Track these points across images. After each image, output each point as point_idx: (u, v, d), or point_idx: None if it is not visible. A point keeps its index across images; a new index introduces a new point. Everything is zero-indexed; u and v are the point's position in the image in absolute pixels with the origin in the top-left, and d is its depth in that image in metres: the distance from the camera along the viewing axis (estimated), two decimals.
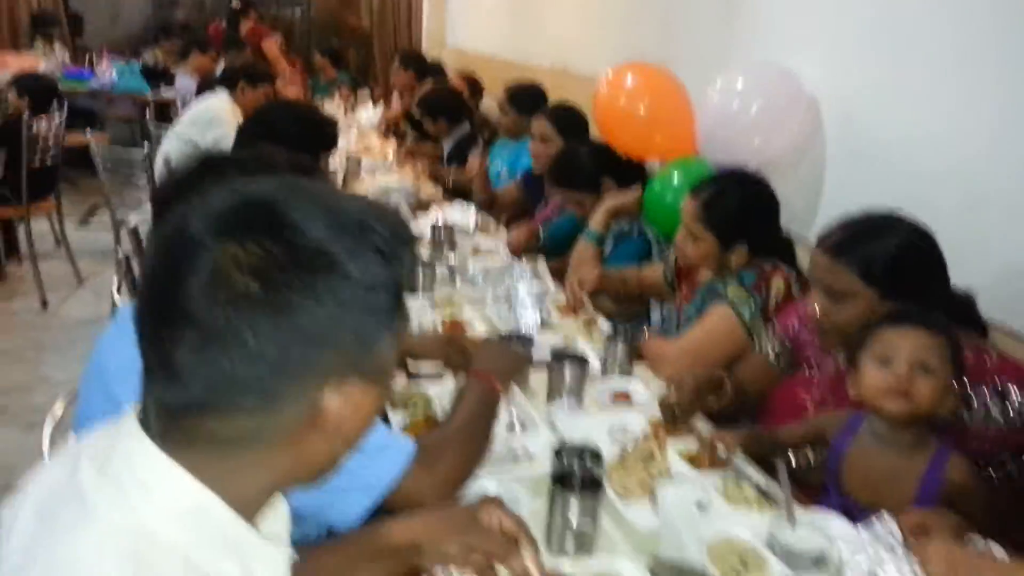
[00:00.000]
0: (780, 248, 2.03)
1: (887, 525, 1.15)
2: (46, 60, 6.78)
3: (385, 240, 0.69)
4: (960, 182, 1.90)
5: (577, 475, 1.30)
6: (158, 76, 6.66)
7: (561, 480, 1.29)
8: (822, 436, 1.52)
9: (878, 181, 2.07)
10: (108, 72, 6.77)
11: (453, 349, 1.71)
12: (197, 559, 0.67)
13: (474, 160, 3.89)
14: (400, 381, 1.79)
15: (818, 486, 1.53)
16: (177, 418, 0.68)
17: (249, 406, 0.67)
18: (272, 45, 7.14)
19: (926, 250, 1.54)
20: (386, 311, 0.70)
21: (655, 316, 2.54)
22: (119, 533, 0.65)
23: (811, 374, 1.73)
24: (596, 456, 1.39)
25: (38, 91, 4.58)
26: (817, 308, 1.57)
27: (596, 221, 2.51)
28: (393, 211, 0.77)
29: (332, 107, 6.18)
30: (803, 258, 2.09)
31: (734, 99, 2.27)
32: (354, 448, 0.76)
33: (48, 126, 4.45)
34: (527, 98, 3.61)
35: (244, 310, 0.64)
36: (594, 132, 2.94)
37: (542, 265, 2.62)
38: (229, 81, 4.22)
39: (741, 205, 1.98)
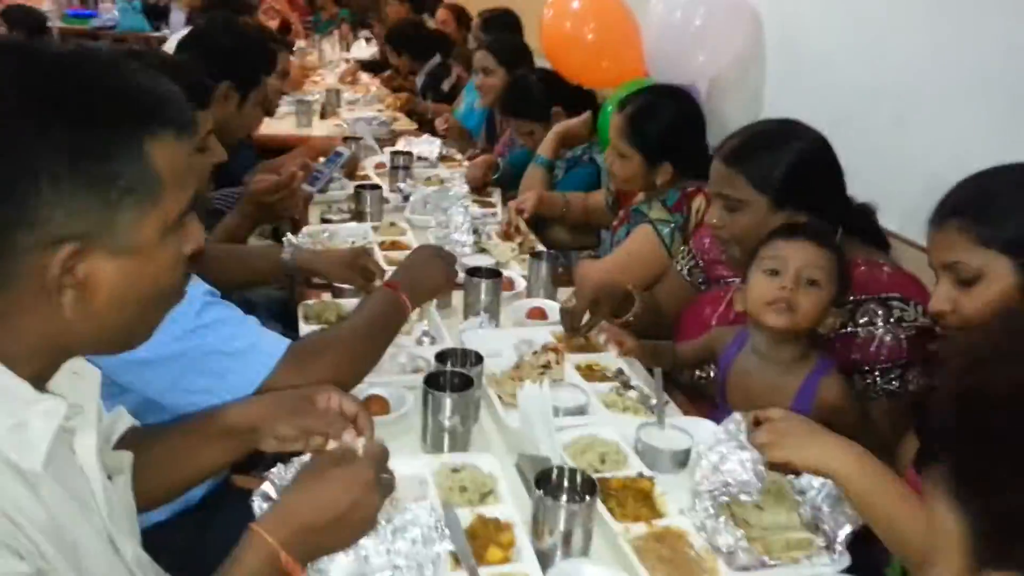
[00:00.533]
0: (706, 167, 2.03)
1: (739, 423, 1.19)
2: (48, 1, 6.82)
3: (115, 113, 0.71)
4: (890, 98, 1.87)
5: (448, 375, 1.35)
6: (159, 13, 6.68)
7: (435, 380, 1.34)
8: (714, 351, 1.55)
9: (814, 96, 2.04)
10: (110, 10, 6.81)
11: (358, 270, 1.73)
12: None
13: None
14: (320, 296, 1.85)
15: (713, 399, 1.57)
16: None
17: None
18: None
19: (821, 160, 1.53)
20: (135, 187, 0.72)
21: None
22: None
23: (719, 290, 1.75)
24: (478, 358, 1.45)
25: (27, 25, 4.60)
26: (715, 219, 1.57)
27: (545, 147, 2.52)
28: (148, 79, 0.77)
29: (329, 43, 6.18)
30: None
31: (676, 11, 2.23)
32: (136, 320, 0.79)
33: None
34: (501, 25, 3.59)
35: None
36: (543, 60, 2.92)
37: (497, 195, 2.65)
38: (209, 13, 4.22)
39: (668, 121, 1.98)
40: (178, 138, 0.76)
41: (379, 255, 2.07)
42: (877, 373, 1.45)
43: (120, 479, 0.90)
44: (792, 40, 2.13)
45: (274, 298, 2.33)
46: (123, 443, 0.98)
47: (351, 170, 2.71)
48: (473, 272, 1.80)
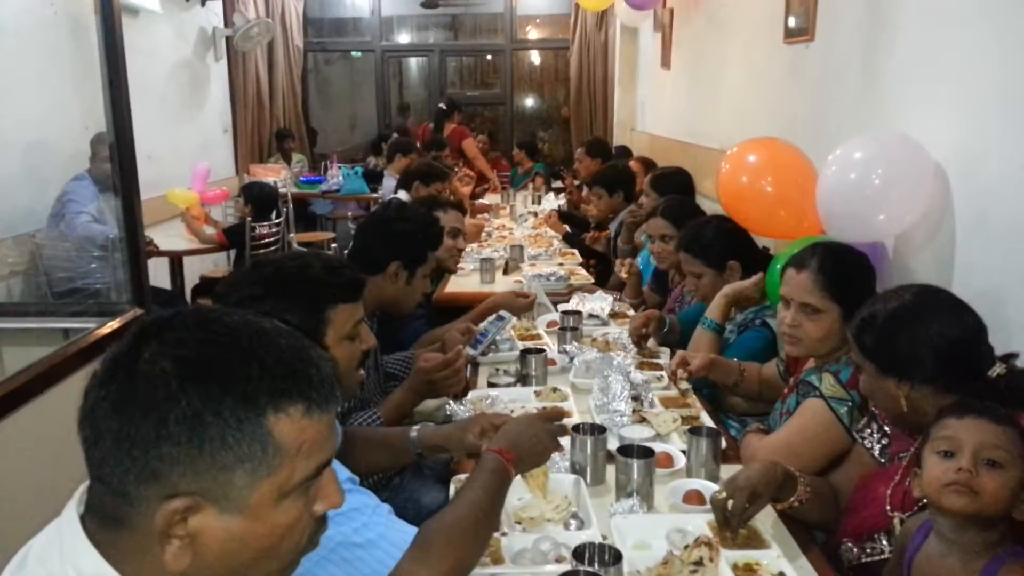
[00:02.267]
0: None
1: None
2: (287, 170, 7.82)
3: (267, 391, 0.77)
4: None
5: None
6: (376, 178, 7.41)
7: None
8: (902, 547, 1.37)
9: (1006, 248, 1.83)
10: (336, 177, 7.66)
11: (472, 432, 1.69)
12: None
13: None
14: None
15: None
16: (96, 499, 0.80)
17: (113, 487, 0.76)
18: (471, 144, 7.68)
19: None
20: (250, 457, 0.76)
21: None
22: None
23: (892, 467, 1.55)
24: (616, 556, 1.36)
25: (261, 199, 5.29)
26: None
27: (714, 310, 2.42)
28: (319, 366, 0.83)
29: (521, 197, 6.51)
30: None
31: (852, 172, 2.12)
32: (257, 566, 0.81)
33: (269, 230, 5.13)
34: (673, 185, 3.61)
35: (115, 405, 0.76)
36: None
37: (664, 357, 2.57)
38: (407, 181, 4.61)
39: (861, 273, 1.88)
40: (309, 413, 0.80)
41: None
42: None
43: None
44: (980, 192, 1.94)
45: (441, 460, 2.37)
46: None
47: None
48: (625, 451, 1.73)
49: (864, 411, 1.73)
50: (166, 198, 5.21)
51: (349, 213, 7.56)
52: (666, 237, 2.99)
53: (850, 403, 1.76)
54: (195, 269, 5.84)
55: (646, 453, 1.72)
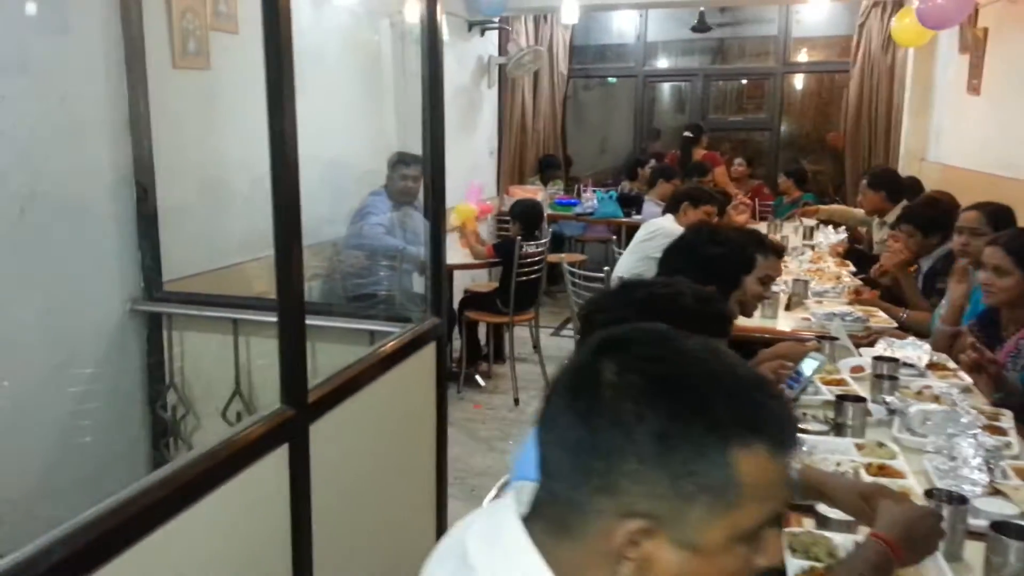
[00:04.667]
0: None
1: None
2: (543, 191, 8.02)
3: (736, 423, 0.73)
4: None
5: None
6: (631, 203, 7.37)
7: None
8: None
9: None
10: (591, 200, 7.73)
11: (868, 503, 1.54)
12: None
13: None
14: (807, 523, 1.67)
15: None
16: (545, 506, 0.81)
17: (567, 495, 0.77)
18: (721, 172, 7.41)
19: None
20: (711, 488, 0.73)
21: None
22: None
23: None
24: None
25: (529, 218, 5.42)
26: None
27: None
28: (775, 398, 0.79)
29: (791, 228, 6.14)
30: None
31: None
32: None
33: (535, 248, 5.24)
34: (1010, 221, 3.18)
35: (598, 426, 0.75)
36: None
37: (1008, 419, 2.22)
38: (674, 204, 4.49)
39: None
40: (772, 456, 0.75)
41: (865, 479, 1.85)
42: None
43: None
44: None
45: None
46: None
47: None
48: (999, 527, 1.48)
49: None
50: (455, 212, 5.48)
51: (607, 236, 7.58)
52: (1000, 270, 2.60)
53: None
54: (459, 284, 6.13)
55: (1022, 533, 1.46)
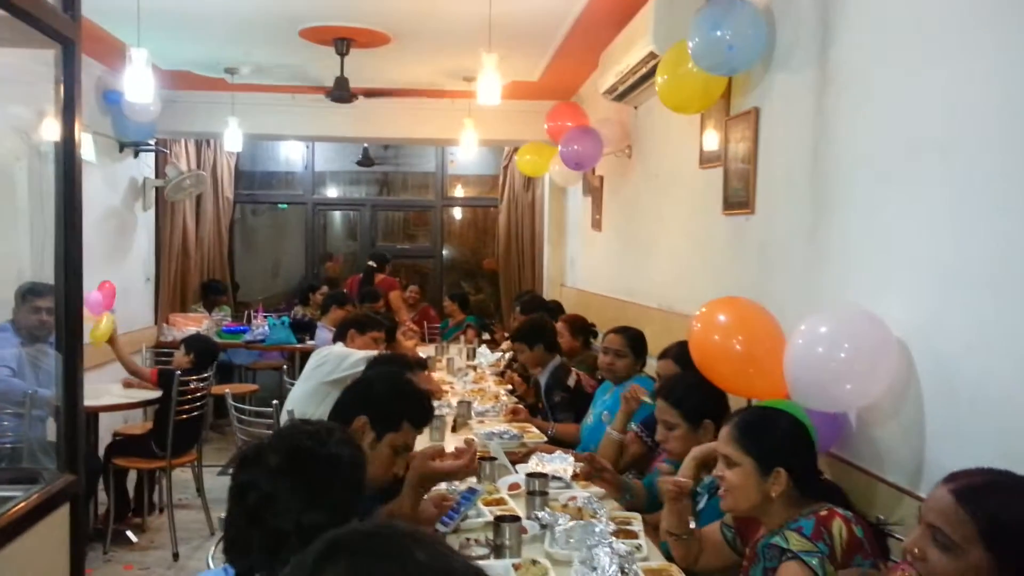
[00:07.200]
0: (824, 489, 1.99)
1: None
2: (209, 319, 7.61)
3: None
4: None
5: None
6: (304, 328, 7.29)
7: None
8: None
9: (977, 418, 1.91)
10: (262, 326, 7.49)
11: None
12: None
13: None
14: None
15: None
16: None
17: None
18: (396, 296, 7.73)
19: None
20: None
21: None
22: None
23: None
24: None
25: (202, 352, 5.09)
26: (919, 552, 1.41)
27: (684, 470, 2.43)
28: None
29: (456, 350, 6.50)
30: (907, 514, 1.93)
31: (818, 346, 2.21)
32: None
33: (199, 383, 4.91)
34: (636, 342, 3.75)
35: None
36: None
37: (638, 523, 2.52)
38: (342, 332, 4.57)
39: (781, 430, 2.00)
40: None
41: None
42: None
43: None
44: (946, 366, 2.05)
45: None
46: None
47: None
48: None
49: (834, 560, 1.77)
50: (91, 340, 4.89)
51: (280, 362, 7.36)
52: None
53: (819, 554, 1.79)
54: (107, 426, 5.47)
55: None
